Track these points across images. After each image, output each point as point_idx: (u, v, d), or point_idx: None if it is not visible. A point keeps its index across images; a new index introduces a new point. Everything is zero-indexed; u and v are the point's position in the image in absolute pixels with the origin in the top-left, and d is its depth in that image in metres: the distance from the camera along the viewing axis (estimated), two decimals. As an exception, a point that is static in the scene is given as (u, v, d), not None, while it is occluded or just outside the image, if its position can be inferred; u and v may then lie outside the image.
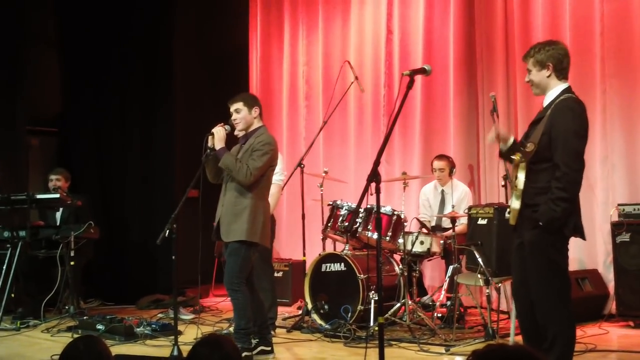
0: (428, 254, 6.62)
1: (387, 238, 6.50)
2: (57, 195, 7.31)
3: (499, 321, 5.98)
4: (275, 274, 7.58)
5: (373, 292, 6.19)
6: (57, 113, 9.42)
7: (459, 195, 7.12)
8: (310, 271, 6.64)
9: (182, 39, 9.24)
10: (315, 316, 6.50)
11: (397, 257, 6.78)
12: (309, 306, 6.56)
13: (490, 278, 5.48)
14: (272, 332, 5.87)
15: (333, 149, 8.86)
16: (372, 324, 6.03)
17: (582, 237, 4.12)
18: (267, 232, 5.36)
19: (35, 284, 7.30)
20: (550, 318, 3.97)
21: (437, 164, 7.22)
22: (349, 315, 6.24)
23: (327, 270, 6.56)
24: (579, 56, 6.71)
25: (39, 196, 7.22)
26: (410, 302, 6.28)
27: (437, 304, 6.61)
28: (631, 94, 6.76)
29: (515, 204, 4.05)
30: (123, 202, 9.01)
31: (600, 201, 6.84)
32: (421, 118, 8.09)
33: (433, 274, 7.84)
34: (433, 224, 7.31)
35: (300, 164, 6.98)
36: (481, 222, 5.73)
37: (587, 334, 5.84)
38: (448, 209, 6.91)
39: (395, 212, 6.57)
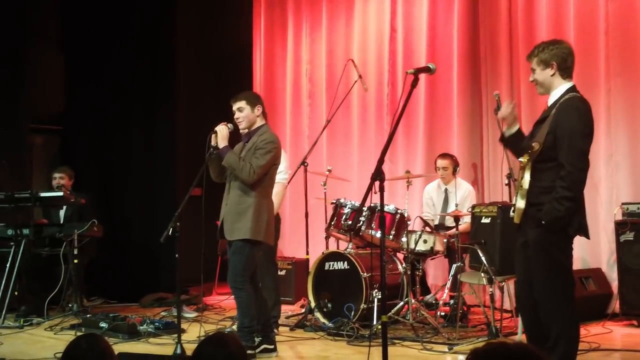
0: (431, 252, 6.62)
1: (391, 237, 6.50)
2: (61, 194, 7.31)
3: (502, 320, 5.97)
4: (279, 272, 7.57)
5: (376, 290, 6.19)
6: (60, 111, 9.43)
7: (463, 194, 7.11)
8: (314, 269, 6.64)
9: (184, 38, 9.24)
10: (318, 314, 6.50)
11: (400, 255, 6.78)
12: (312, 304, 6.55)
13: (493, 277, 5.48)
14: (275, 331, 5.87)
15: (336, 148, 8.86)
16: (375, 322, 6.02)
17: (587, 236, 4.12)
18: (271, 231, 5.36)
19: (38, 282, 7.30)
20: (553, 317, 3.97)
21: (441, 162, 7.21)
22: (352, 314, 6.24)
23: (331, 268, 6.56)
24: (583, 55, 6.69)
25: (42, 194, 7.22)
26: (413, 300, 6.28)
27: (440, 302, 6.61)
28: (636, 93, 6.74)
29: (520, 203, 4.05)
30: (126, 200, 9.01)
31: (604, 200, 6.83)
32: (425, 117, 8.09)
33: (436, 272, 7.83)
34: (436, 222, 7.30)
35: (303, 163, 6.98)
36: (484, 220, 5.73)
37: (590, 333, 5.83)
38: (451, 208, 6.90)
39: (399, 211, 6.56)
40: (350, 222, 6.55)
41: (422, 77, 4.06)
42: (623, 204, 6.57)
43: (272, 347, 5.37)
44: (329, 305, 6.48)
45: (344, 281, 6.42)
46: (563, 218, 3.91)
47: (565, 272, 4.04)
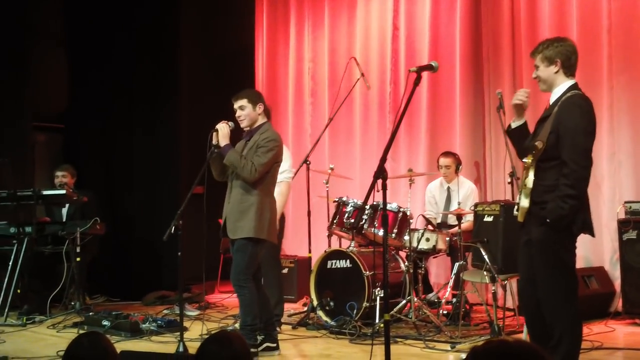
0: (434, 251, 6.61)
1: (393, 235, 6.49)
2: (63, 192, 7.32)
3: (505, 318, 5.97)
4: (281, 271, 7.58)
5: (379, 289, 6.19)
6: (62, 110, 9.44)
7: (465, 192, 7.10)
8: (316, 268, 6.64)
9: (187, 36, 9.24)
10: (320, 313, 6.50)
11: (402, 254, 6.77)
12: (315, 303, 6.55)
13: (496, 275, 5.47)
14: (278, 329, 5.87)
15: (339, 146, 8.86)
16: (377, 320, 6.02)
17: (592, 233, 4.11)
18: (274, 229, 5.36)
19: (40, 280, 7.30)
20: (557, 316, 3.96)
21: (443, 161, 7.19)
22: (355, 312, 6.23)
23: (333, 267, 6.56)
24: (586, 53, 6.68)
25: (45, 192, 7.24)
26: (415, 299, 6.28)
27: (443, 301, 6.60)
28: (638, 91, 6.73)
29: (524, 202, 4.04)
30: (128, 198, 9.01)
31: (606, 198, 6.82)
32: (427, 115, 8.08)
33: (439, 271, 7.83)
34: (439, 221, 7.29)
35: (306, 161, 6.97)
36: (487, 219, 5.72)
37: (593, 331, 5.82)
38: (454, 206, 6.88)
39: (401, 209, 6.56)
40: (352, 221, 6.55)
41: (425, 75, 4.05)
42: (626, 202, 6.56)
43: (274, 345, 5.37)
44: (332, 303, 6.48)
45: (346, 279, 6.42)
46: (567, 216, 3.90)
47: (569, 270, 4.03)
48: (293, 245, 8.84)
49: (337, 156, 8.69)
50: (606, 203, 6.82)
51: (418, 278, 6.58)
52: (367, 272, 6.25)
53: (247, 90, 5.52)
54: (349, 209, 6.65)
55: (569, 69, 4.12)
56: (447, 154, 7.26)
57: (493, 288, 5.65)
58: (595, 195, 6.56)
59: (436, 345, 5.53)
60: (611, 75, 6.83)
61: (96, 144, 9.19)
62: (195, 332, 5.92)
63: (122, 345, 5.50)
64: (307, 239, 7.13)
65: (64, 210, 7.92)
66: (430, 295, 7.00)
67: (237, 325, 5.90)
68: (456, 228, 6.41)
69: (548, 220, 3.91)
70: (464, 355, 5.27)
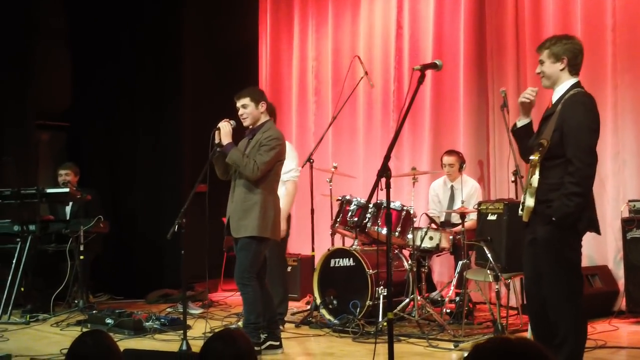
0: (437, 249, 6.60)
1: (396, 233, 6.49)
2: (67, 190, 7.33)
3: (508, 317, 5.96)
4: (284, 269, 7.58)
5: (382, 287, 6.18)
6: (66, 108, 9.44)
7: (469, 191, 7.09)
8: (319, 266, 6.64)
9: (191, 34, 9.24)
10: (323, 311, 6.50)
11: (406, 252, 6.76)
12: (318, 301, 6.55)
13: (499, 274, 5.46)
14: (281, 327, 5.87)
15: (342, 144, 8.85)
16: (380, 319, 6.02)
17: (597, 231, 4.10)
18: (278, 227, 5.35)
19: (44, 278, 7.31)
20: (562, 314, 3.96)
21: (447, 159, 7.19)
22: (358, 311, 6.23)
23: (336, 265, 6.56)
24: (590, 51, 6.63)
25: (48, 190, 7.23)
26: (419, 297, 6.27)
27: (446, 299, 6.60)
28: (643, 90, 6.72)
29: (530, 201, 4.02)
30: (132, 196, 9.02)
31: (610, 197, 6.81)
32: (431, 113, 8.07)
33: (442, 269, 7.82)
34: (442, 219, 7.28)
35: (309, 159, 6.97)
36: (491, 217, 5.71)
37: (596, 330, 5.80)
38: (457, 205, 6.88)
39: (405, 208, 6.55)
40: (356, 219, 6.55)
41: (429, 73, 4.05)
42: (630, 201, 6.55)
43: (277, 343, 5.37)
44: (335, 302, 6.47)
45: (349, 278, 6.42)
46: (573, 214, 3.90)
47: (574, 269, 4.03)
48: (296, 243, 8.84)
49: (340, 154, 8.69)
50: (610, 202, 6.80)
51: (421, 276, 6.58)
52: (371, 271, 6.25)
53: (250, 88, 5.52)
54: (352, 207, 6.65)
55: (574, 68, 4.11)
56: (450, 152, 7.25)
57: (496, 287, 5.64)
58: (599, 194, 6.54)
59: (439, 343, 5.53)
60: (615, 74, 6.81)
61: (100, 142, 9.20)
62: (199, 331, 5.92)
63: (126, 343, 5.50)
64: (311, 238, 7.13)
65: (68, 209, 7.92)
66: (434, 293, 6.99)
67: (240, 324, 5.90)
68: (460, 227, 6.41)
69: (554, 219, 3.91)
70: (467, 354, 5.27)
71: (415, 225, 6.62)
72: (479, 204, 5.99)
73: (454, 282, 6.53)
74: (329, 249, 6.70)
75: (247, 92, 5.34)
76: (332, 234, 7.02)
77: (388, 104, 8.47)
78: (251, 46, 9.79)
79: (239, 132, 5.40)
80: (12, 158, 7.29)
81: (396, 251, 6.71)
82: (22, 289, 6.98)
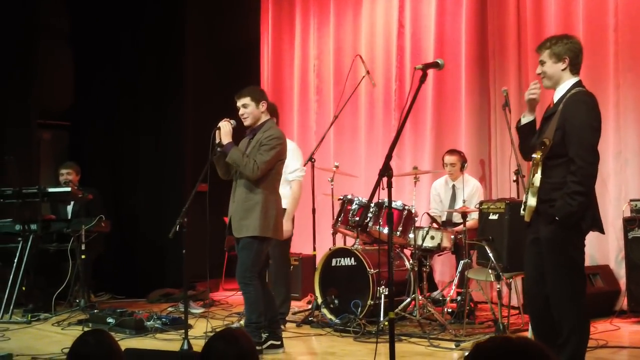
0: (438, 249, 6.60)
1: (398, 233, 6.48)
2: (69, 189, 7.33)
3: (510, 317, 5.96)
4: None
5: (383, 287, 6.18)
6: (68, 107, 9.45)
7: (470, 190, 7.08)
8: (321, 266, 6.64)
9: (193, 34, 9.24)
10: (325, 311, 6.50)
11: (407, 252, 6.76)
12: (319, 301, 6.55)
13: (501, 273, 5.46)
14: (283, 327, 5.87)
15: (344, 144, 8.85)
16: (382, 318, 6.02)
17: (601, 230, 4.10)
18: (280, 225, 5.35)
19: (45, 277, 7.32)
20: (565, 314, 3.95)
21: (448, 158, 7.18)
22: (359, 310, 6.23)
23: (337, 264, 6.56)
24: (592, 51, 6.67)
25: (50, 189, 7.24)
26: (420, 297, 6.27)
27: (448, 299, 6.60)
28: (645, 89, 6.71)
29: (532, 201, 4.02)
30: (133, 196, 9.02)
31: (612, 196, 6.80)
32: (432, 113, 8.07)
33: (443, 269, 7.82)
34: (444, 219, 7.28)
35: (311, 159, 6.97)
36: (492, 217, 5.71)
37: (598, 330, 5.80)
38: (459, 204, 6.87)
39: (406, 207, 6.55)
40: (357, 218, 6.54)
41: (430, 72, 4.04)
42: (631, 200, 6.55)
43: (278, 343, 5.37)
44: (336, 301, 6.47)
45: (350, 277, 6.41)
46: (576, 213, 3.90)
47: (577, 269, 4.03)
48: (298, 243, 8.80)
49: (342, 154, 8.68)
50: (612, 201, 6.80)
51: (423, 276, 6.58)
52: (372, 270, 6.24)
53: (250, 87, 5.50)
54: (353, 206, 6.65)
55: (575, 67, 4.12)
56: (452, 151, 7.25)
57: (498, 286, 5.64)
58: (601, 193, 6.52)
59: (441, 343, 5.53)
60: (617, 73, 6.81)
61: (101, 141, 9.21)
62: (200, 330, 5.93)
63: (127, 342, 5.50)
64: (312, 237, 7.13)
65: (69, 208, 7.92)
66: (435, 293, 6.99)
67: (241, 323, 5.90)
68: (461, 226, 6.41)
69: (557, 218, 3.90)
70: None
71: (417, 224, 6.61)
72: (481, 203, 5.99)
73: (456, 281, 6.53)
74: (330, 249, 6.70)
75: (247, 92, 5.33)
76: (334, 234, 7.02)
77: (389, 103, 8.47)
78: (253, 45, 9.79)
79: (240, 131, 5.39)
80: (14, 157, 7.29)
81: (397, 250, 6.70)
82: (24, 289, 6.99)
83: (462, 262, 6.38)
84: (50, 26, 9.09)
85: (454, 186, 7.24)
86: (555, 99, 4.13)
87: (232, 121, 5.26)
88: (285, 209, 5.96)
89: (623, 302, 6.51)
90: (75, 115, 9.42)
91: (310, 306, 6.90)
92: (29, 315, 6.78)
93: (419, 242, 6.45)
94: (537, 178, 4.01)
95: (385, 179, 3.69)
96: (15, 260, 6.96)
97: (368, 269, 6.26)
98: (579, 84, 4.10)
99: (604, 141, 5.51)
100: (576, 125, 3.93)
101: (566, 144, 3.94)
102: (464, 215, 6.32)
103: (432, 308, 6.25)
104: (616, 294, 6.64)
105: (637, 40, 6.73)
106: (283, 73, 9.61)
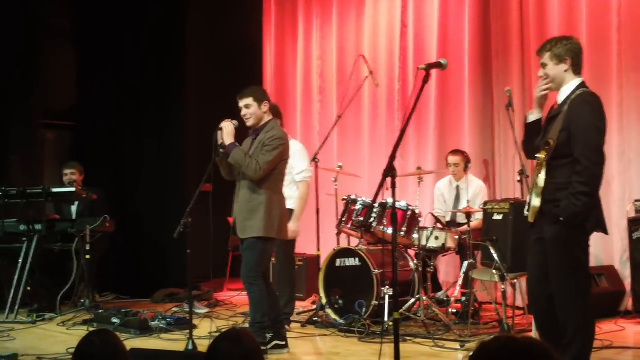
0: (442, 249, 6.59)
1: (402, 233, 6.48)
2: (73, 189, 7.34)
3: (514, 317, 5.95)
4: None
5: (387, 287, 6.18)
6: (71, 107, 9.46)
7: (474, 190, 7.08)
8: (324, 266, 6.64)
9: (195, 34, 9.25)
10: (329, 311, 6.50)
11: (411, 252, 6.76)
12: (323, 301, 6.55)
13: (505, 273, 5.46)
14: (287, 327, 5.87)
15: (347, 144, 8.85)
16: (386, 319, 6.01)
17: (604, 231, 4.10)
18: (284, 225, 5.35)
19: (50, 277, 7.33)
20: (570, 314, 3.95)
21: (452, 158, 7.18)
22: (363, 310, 6.23)
23: (341, 265, 6.56)
24: (595, 50, 6.67)
25: (54, 189, 7.25)
26: (424, 297, 6.27)
27: (452, 299, 6.59)
28: (648, 89, 6.70)
29: (535, 201, 4.02)
30: (137, 195, 9.04)
31: (616, 197, 6.79)
32: (436, 112, 8.06)
33: (447, 269, 7.81)
34: (448, 219, 7.27)
35: (314, 159, 6.97)
36: (496, 217, 5.70)
37: (603, 330, 5.78)
38: (463, 204, 6.87)
39: (410, 207, 6.55)
40: (361, 219, 6.54)
41: (433, 72, 4.04)
42: (636, 200, 6.54)
43: (283, 342, 5.37)
44: (340, 301, 6.47)
45: (354, 277, 6.41)
46: (581, 213, 3.90)
47: (582, 269, 4.03)
48: (302, 243, 8.80)
49: (345, 154, 8.68)
50: (616, 201, 6.78)
51: (427, 276, 6.57)
52: (376, 270, 6.24)
53: (252, 88, 5.48)
54: (357, 206, 6.64)
55: (577, 67, 4.12)
56: (455, 151, 7.24)
57: (502, 286, 5.64)
58: (605, 193, 6.46)
59: (445, 343, 5.52)
60: (621, 73, 6.80)
61: (104, 141, 9.22)
62: (204, 330, 5.92)
63: (131, 342, 5.51)
64: (316, 237, 7.13)
65: (73, 208, 7.93)
66: (439, 293, 6.98)
67: (246, 323, 5.90)
68: (465, 226, 6.40)
69: (562, 218, 3.90)
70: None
71: (421, 224, 6.61)
72: (485, 203, 5.99)
73: (460, 281, 6.53)
74: (334, 249, 6.70)
75: (249, 92, 5.32)
76: (338, 234, 7.02)
77: (392, 103, 8.46)
78: (255, 45, 9.79)
79: (242, 131, 5.39)
80: (18, 157, 7.30)
81: (401, 250, 6.70)
82: (28, 288, 7.00)
83: (466, 262, 6.37)
84: (53, 26, 9.11)
85: (457, 186, 7.23)
86: (560, 100, 4.13)
87: (234, 121, 5.26)
88: (290, 209, 5.97)
89: (628, 303, 6.51)
90: (78, 115, 9.43)
91: (314, 306, 6.91)
92: (34, 315, 6.79)
93: (423, 242, 6.45)
94: (541, 178, 4.01)
95: (389, 179, 3.69)
96: (20, 260, 6.98)
97: (372, 269, 6.26)
98: (583, 84, 4.10)
99: (608, 141, 5.47)
100: (581, 125, 3.94)
101: (571, 144, 3.94)
102: (468, 215, 6.31)
103: (436, 308, 6.24)
104: (621, 294, 6.63)
105: (641, 39, 6.73)
106: (285, 73, 9.61)
